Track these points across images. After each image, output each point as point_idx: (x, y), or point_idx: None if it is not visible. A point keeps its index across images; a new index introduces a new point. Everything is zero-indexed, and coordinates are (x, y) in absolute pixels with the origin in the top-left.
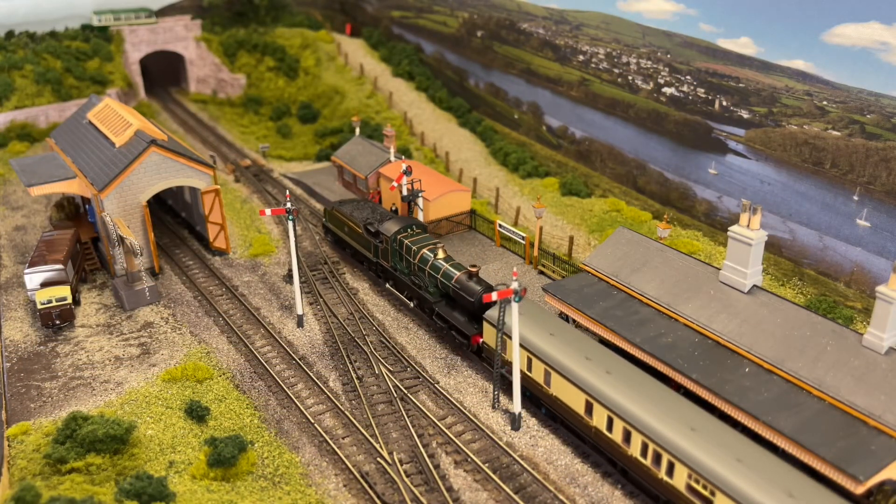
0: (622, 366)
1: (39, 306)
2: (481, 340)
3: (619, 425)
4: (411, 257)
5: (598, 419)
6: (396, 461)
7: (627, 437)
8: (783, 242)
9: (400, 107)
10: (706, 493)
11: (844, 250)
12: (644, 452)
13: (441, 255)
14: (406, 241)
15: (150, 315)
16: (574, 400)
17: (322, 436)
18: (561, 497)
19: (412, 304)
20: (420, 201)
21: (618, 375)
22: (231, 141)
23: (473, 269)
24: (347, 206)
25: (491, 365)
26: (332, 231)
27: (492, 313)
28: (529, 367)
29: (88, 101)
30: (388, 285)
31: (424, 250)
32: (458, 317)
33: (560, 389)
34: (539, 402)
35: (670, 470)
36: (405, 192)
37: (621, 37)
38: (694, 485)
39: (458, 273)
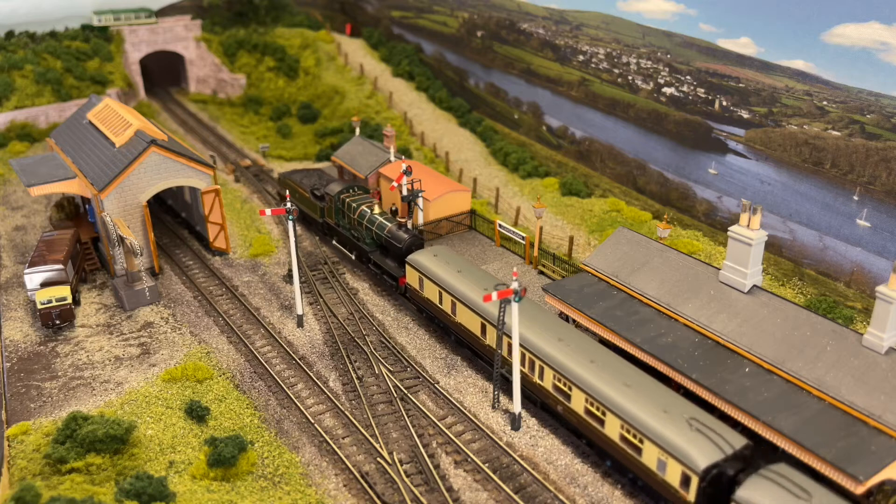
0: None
1: (39, 306)
2: (406, 282)
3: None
4: (352, 214)
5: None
6: (396, 461)
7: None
8: (783, 242)
9: (400, 107)
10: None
11: (844, 250)
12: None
13: (376, 210)
14: (347, 200)
15: (150, 315)
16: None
17: (322, 436)
18: (561, 497)
19: (353, 256)
20: (420, 201)
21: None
22: (231, 141)
23: (402, 220)
24: (297, 174)
25: (413, 302)
26: (291, 195)
27: (414, 257)
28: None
29: (88, 101)
30: (333, 241)
31: (363, 207)
32: (389, 263)
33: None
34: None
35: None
36: (405, 192)
37: (621, 37)
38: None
39: (389, 225)
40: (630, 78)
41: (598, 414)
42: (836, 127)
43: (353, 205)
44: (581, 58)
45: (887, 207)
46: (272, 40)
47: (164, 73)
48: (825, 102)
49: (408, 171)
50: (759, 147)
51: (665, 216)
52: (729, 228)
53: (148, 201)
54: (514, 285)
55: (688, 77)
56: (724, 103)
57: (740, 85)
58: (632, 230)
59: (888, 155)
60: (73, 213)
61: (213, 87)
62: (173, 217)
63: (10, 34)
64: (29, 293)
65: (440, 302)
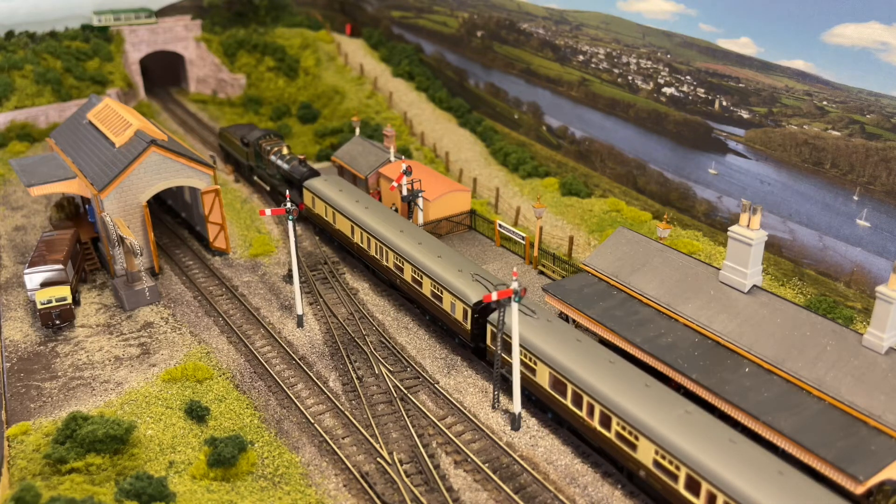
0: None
1: (39, 306)
2: (304, 207)
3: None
4: (265, 155)
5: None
6: (396, 461)
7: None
8: (783, 242)
9: (400, 107)
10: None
11: (844, 250)
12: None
13: (285, 151)
14: (263, 144)
15: (150, 315)
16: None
17: (322, 436)
18: (561, 497)
19: (267, 189)
20: (420, 201)
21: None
22: None
23: (302, 158)
24: (232, 128)
25: (309, 221)
26: (224, 148)
27: (309, 183)
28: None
29: (88, 101)
30: (255, 178)
31: (275, 149)
32: (292, 194)
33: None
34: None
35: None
36: (405, 192)
37: (621, 37)
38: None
39: (292, 162)
40: (630, 78)
41: (418, 279)
42: (836, 127)
43: (267, 147)
44: (581, 58)
45: (887, 207)
46: (272, 40)
47: (164, 73)
48: (825, 102)
49: (408, 171)
50: (759, 147)
51: (665, 216)
52: (729, 228)
53: (148, 201)
54: (514, 285)
55: (688, 77)
56: (724, 103)
57: (740, 85)
58: (632, 230)
59: (888, 155)
60: (73, 213)
61: (213, 87)
62: (173, 217)
63: (9, 34)
64: (29, 293)
65: (325, 213)
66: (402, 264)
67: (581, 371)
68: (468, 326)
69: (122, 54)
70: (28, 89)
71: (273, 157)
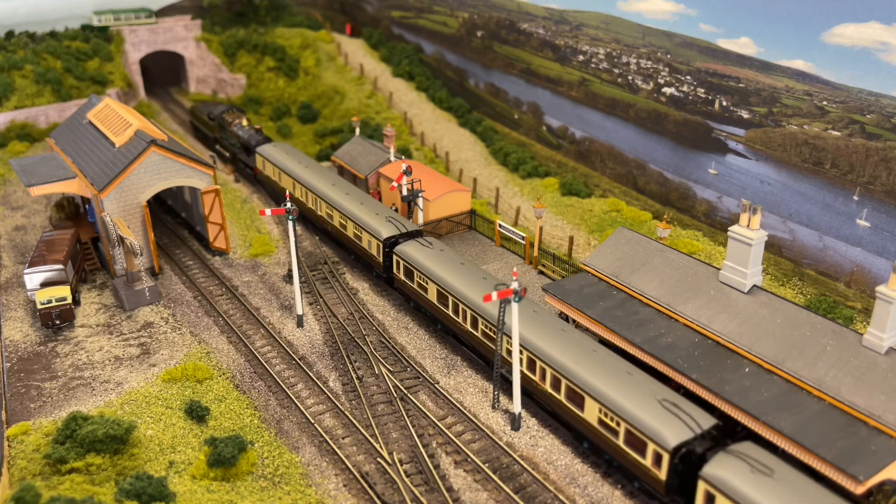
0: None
1: (39, 306)
2: (258, 168)
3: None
4: (227, 126)
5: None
6: (396, 461)
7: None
8: (783, 242)
9: (400, 107)
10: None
11: (844, 250)
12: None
13: (244, 123)
14: (225, 117)
15: (150, 315)
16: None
17: (322, 436)
18: (561, 497)
19: (227, 155)
20: (420, 201)
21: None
22: None
23: (258, 128)
24: (201, 105)
25: (260, 182)
26: (194, 123)
27: (260, 149)
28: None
29: (88, 101)
30: (216, 147)
31: (235, 121)
32: (249, 159)
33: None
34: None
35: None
36: (405, 192)
37: (621, 37)
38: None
39: (249, 132)
40: (630, 78)
41: (344, 223)
42: (836, 127)
43: (229, 120)
44: (581, 58)
45: (887, 207)
46: (272, 40)
47: (164, 73)
48: (825, 102)
49: (408, 171)
50: (759, 147)
51: (665, 216)
52: (729, 228)
53: (148, 201)
54: (514, 285)
55: (688, 77)
56: (724, 103)
57: (740, 85)
58: (632, 230)
59: (888, 155)
60: (73, 213)
61: (213, 87)
62: (173, 217)
63: (10, 34)
64: (29, 293)
65: (273, 175)
66: (332, 212)
67: (453, 280)
68: (380, 259)
69: (122, 54)
70: (28, 89)
71: (234, 128)
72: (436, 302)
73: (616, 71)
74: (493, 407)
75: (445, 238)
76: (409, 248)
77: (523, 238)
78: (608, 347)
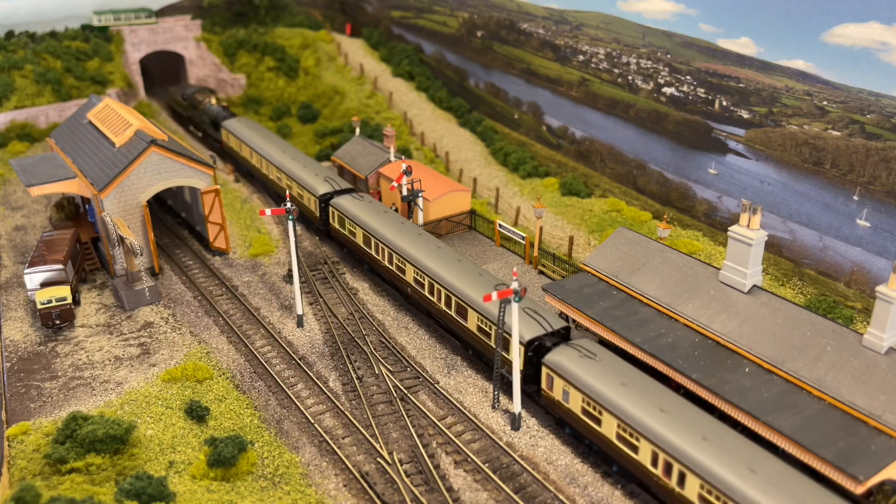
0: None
1: (39, 306)
2: (224, 142)
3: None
4: (198, 105)
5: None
6: (396, 461)
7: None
8: (783, 242)
9: (400, 107)
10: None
11: (844, 250)
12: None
13: (213, 102)
14: (196, 97)
15: (150, 315)
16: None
17: (322, 436)
18: (561, 497)
19: (200, 134)
20: (420, 201)
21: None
22: None
23: (225, 105)
24: (176, 88)
25: (227, 156)
26: (172, 107)
27: (224, 123)
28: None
29: (88, 101)
30: (191, 127)
31: (205, 100)
32: (217, 134)
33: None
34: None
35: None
36: (405, 192)
37: (621, 37)
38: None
39: (215, 109)
40: (630, 78)
41: (290, 184)
42: (836, 127)
43: (199, 99)
44: (581, 58)
45: (887, 207)
46: (272, 40)
47: (164, 73)
48: (825, 102)
49: (408, 171)
50: (759, 147)
51: (665, 216)
52: (729, 228)
53: (148, 201)
54: (514, 285)
55: (688, 77)
56: (724, 103)
57: (740, 85)
58: (632, 230)
59: (888, 155)
60: (73, 213)
61: (213, 87)
62: (173, 217)
63: (10, 34)
64: (29, 293)
65: (236, 146)
66: (280, 175)
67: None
68: (318, 213)
69: (122, 54)
70: (28, 89)
71: (204, 106)
72: (362, 244)
73: (616, 71)
74: (493, 407)
75: (445, 238)
76: (342, 201)
77: (523, 238)
78: (608, 347)
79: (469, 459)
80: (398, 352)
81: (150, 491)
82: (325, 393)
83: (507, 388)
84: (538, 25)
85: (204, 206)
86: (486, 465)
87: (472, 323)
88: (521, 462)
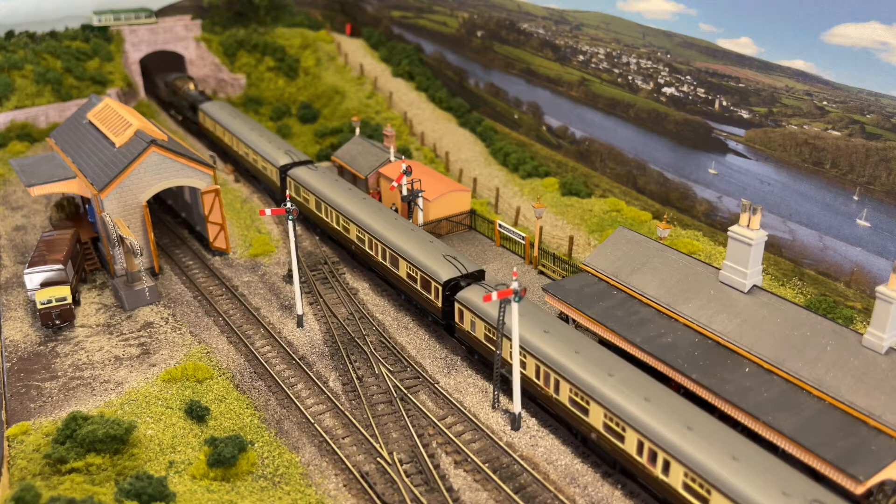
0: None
1: (39, 306)
2: (200, 122)
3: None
4: (178, 91)
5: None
6: (396, 461)
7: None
8: (783, 242)
9: (400, 107)
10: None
11: (844, 250)
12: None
13: (191, 87)
14: (176, 83)
15: (150, 315)
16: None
17: (322, 436)
18: (561, 497)
19: (180, 118)
20: (420, 201)
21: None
22: None
23: (202, 90)
24: (159, 76)
25: (202, 133)
26: (156, 94)
27: (203, 105)
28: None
29: (88, 101)
30: (172, 112)
31: (185, 86)
32: (195, 117)
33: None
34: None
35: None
36: (405, 192)
37: (621, 37)
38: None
39: (192, 93)
40: (630, 78)
41: (255, 160)
42: (836, 127)
43: (179, 84)
44: (581, 58)
45: (887, 207)
46: (272, 40)
47: (164, 73)
48: (825, 102)
49: (408, 171)
50: (759, 147)
51: (665, 216)
52: (729, 228)
53: (148, 201)
54: (514, 285)
55: (688, 77)
56: (724, 103)
57: (740, 85)
58: (632, 230)
59: (888, 155)
60: (73, 213)
61: (213, 87)
62: (173, 217)
63: (10, 34)
64: (29, 293)
65: (211, 127)
66: (248, 151)
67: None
68: (278, 182)
69: (122, 54)
70: (28, 89)
71: (183, 92)
72: (313, 209)
73: (616, 71)
74: (493, 407)
75: (445, 238)
76: (299, 171)
77: (523, 238)
78: (607, 347)
79: (469, 459)
80: (398, 352)
81: (150, 491)
82: (325, 393)
83: (507, 388)
84: (538, 25)
85: (204, 206)
86: (486, 465)
87: (402, 271)
88: (521, 462)
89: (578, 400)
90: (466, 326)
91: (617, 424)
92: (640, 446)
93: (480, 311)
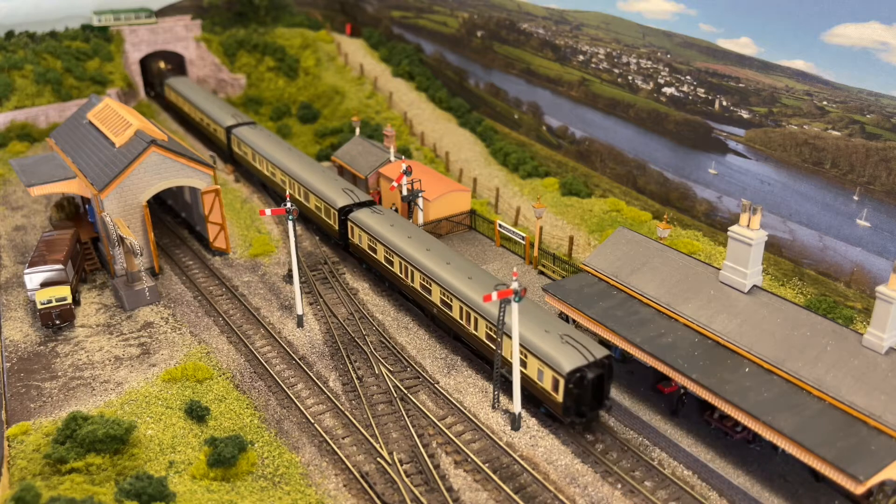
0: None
1: (39, 306)
2: (167, 97)
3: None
4: (151, 69)
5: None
6: (396, 461)
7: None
8: (783, 242)
9: (400, 107)
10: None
11: (844, 250)
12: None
13: (162, 66)
14: (150, 63)
15: (150, 315)
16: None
17: (322, 436)
18: (561, 497)
19: (152, 93)
20: (420, 201)
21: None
22: None
23: (170, 68)
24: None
25: (170, 108)
26: (151, 84)
27: (169, 81)
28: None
29: (88, 101)
30: (146, 88)
31: (155, 64)
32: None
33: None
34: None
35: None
36: (405, 192)
37: (621, 37)
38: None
39: (163, 71)
40: (630, 78)
41: (213, 127)
42: (836, 127)
43: (151, 64)
44: (581, 58)
45: (887, 207)
46: (272, 40)
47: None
48: (825, 102)
49: (408, 171)
50: (759, 147)
51: (665, 216)
52: (729, 228)
53: (148, 201)
54: (515, 285)
55: (688, 77)
56: (724, 103)
57: (740, 85)
58: (632, 230)
59: (888, 155)
60: (73, 213)
61: (213, 87)
62: (173, 217)
63: (10, 34)
64: (29, 293)
65: (175, 99)
66: (203, 117)
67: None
68: (225, 141)
69: (122, 54)
70: (28, 89)
71: (156, 69)
72: (256, 164)
73: (616, 71)
74: (493, 407)
75: (445, 238)
76: (242, 130)
77: (523, 238)
78: (607, 347)
79: (469, 459)
80: (398, 352)
81: (150, 491)
82: (325, 393)
83: (507, 389)
84: (538, 25)
85: (204, 206)
86: (486, 465)
87: (312, 204)
88: (521, 462)
89: (426, 284)
90: (356, 240)
91: (449, 298)
92: (461, 311)
93: (366, 227)
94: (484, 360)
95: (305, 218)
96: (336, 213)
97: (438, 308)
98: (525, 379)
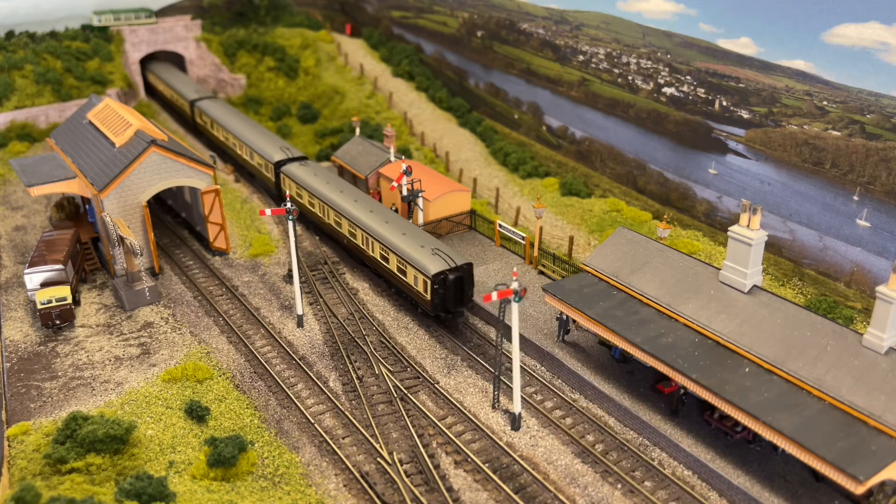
0: None
1: (39, 306)
2: (150, 81)
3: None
4: (154, 71)
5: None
6: (396, 461)
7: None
8: (783, 242)
9: (400, 107)
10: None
11: (844, 250)
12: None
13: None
14: (155, 65)
15: (150, 315)
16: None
17: (322, 436)
18: (561, 497)
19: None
20: (420, 201)
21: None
22: None
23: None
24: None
25: (154, 95)
26: (146, 79)
27: (151, 66)
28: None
29: (88, 101)
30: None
31: (164, 72)
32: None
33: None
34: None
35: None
36: (405, 192)
37: (621, 37)
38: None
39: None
40: (630, 78)
41: (179, 102)
42: (836, 127)
43: (159, 68)
44: (581, 58)
45: (887, 207)
46: (272, 40)
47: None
48: (825, 102)
49: (408, 171)
50: (759, 147)
51: (665, 216)
52: (729, 228)
53: (148, 201)
54: (514, 285)
55: (688, 77)
56: (724, 103)
57: (740, 85)
58: (632, 230)
59: (888, 155)
60: (73, 213)
61: (213, 87)
62: (173, 217)
63: (10, 34)
64: (29, 293)
65: (158, 84)
66: (177, 97)
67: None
68: (190, 113)
69: (122, 54)
70: (28, 89)
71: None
72: (214, 132)
73: (616, 71)
74: (493, 407)
75: (445, 238)
76: (204, 104)
77: (523, 238)
78: (607, 347)
79: (469, 459)
80: (398, 352)
81: (150, 491)
82: (325, 393)
83: (507, 389)
84: (538, 25)
85: (204, 206)
86: (486, 465)
87: (255, 161)
88: (521, 462)
89: (338, 220)
90: (286, 189)
91: (354, 229)
92: (363, 238)
93: (295, 177)
94: (378, 276)
95: (250, 174)
96: (273, 166)
97: (347, 238)
98: (405, 285)
